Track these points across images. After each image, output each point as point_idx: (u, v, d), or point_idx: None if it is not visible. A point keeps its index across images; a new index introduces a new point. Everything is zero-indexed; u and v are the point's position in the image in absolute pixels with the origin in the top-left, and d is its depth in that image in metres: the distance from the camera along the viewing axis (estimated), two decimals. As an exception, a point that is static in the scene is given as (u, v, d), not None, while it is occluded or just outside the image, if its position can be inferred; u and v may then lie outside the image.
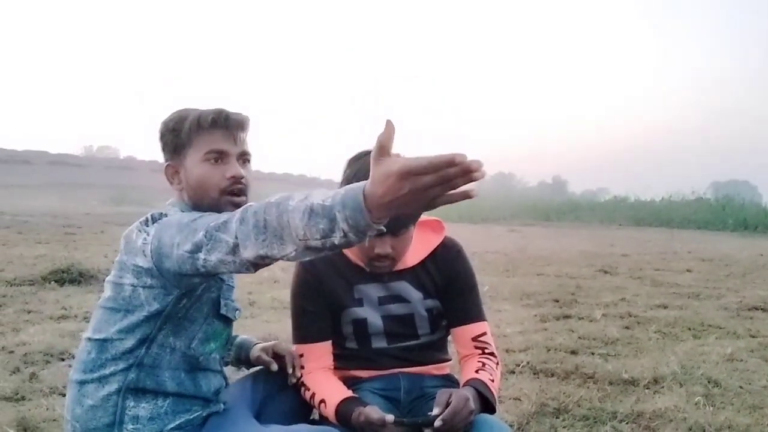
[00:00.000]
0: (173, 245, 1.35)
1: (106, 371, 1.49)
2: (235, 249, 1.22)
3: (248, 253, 1.19)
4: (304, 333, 1.80)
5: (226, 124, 1.55)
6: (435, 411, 1.49)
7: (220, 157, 1.54)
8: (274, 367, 1.81)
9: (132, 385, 1.49)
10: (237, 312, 1.64)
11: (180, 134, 1.55)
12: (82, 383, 1.51)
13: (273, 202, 1.15)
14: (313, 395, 1.70)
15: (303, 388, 1.74)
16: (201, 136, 1.54)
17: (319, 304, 1.79)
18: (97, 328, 1.53)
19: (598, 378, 3.28)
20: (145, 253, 1.42)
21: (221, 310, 1.57)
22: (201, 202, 1.55)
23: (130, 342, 1.48)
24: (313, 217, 1.07)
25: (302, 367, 1.77)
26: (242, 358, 1.90)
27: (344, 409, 1.61)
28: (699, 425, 2.63)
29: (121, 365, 1.48)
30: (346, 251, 1.81)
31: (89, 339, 1.54)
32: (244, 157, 1.59)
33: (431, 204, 0.99)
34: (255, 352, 1.87)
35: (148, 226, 1.47)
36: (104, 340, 1.49)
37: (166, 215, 1.48)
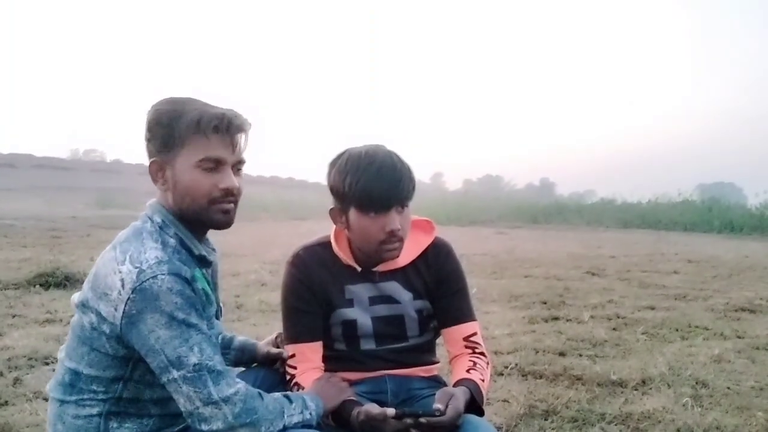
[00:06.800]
0: (155, 342, 1.33)
1: (84, 396, 1.43)
2: (215, 405, 1.33)
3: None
4: (296, 332, 1.77)
5: (227, 131, 1.43)
6: (436, 406, 1.49)
7: (215, 165, 1.43)
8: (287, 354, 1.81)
9: (113, 409, 1.43)
10: (219, 335, 1.58)
11: (173, 131, 1.41)
12: (61, 402, 1.46)
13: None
14: None
15: (296, 388, 1.72)
16: (198, 139, 1.41)
17: (311, 303, 1.76)
18: (69, 354, 1.47)
19: (586, 379, 3.29)
20: (115, 315, 1.35)
21: None
22: (187, 209, 1.45)
23: (103, 379, 1.42)
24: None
25: (295, 367, 1.74)
26: (245, 360, 1.88)
27: (342, 409, 1.60)
28: (687, 426, 2.64)
29: (100, 395, 1.43)
30: (337, 250, 1.78)
31: (63, 362, 1.48)
32: (238, 165, 1.48)
33: None
34: (262, 349, 1.87)
35: (123, 264, 1.36)
36: (76, 371, 1.43)
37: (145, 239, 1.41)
